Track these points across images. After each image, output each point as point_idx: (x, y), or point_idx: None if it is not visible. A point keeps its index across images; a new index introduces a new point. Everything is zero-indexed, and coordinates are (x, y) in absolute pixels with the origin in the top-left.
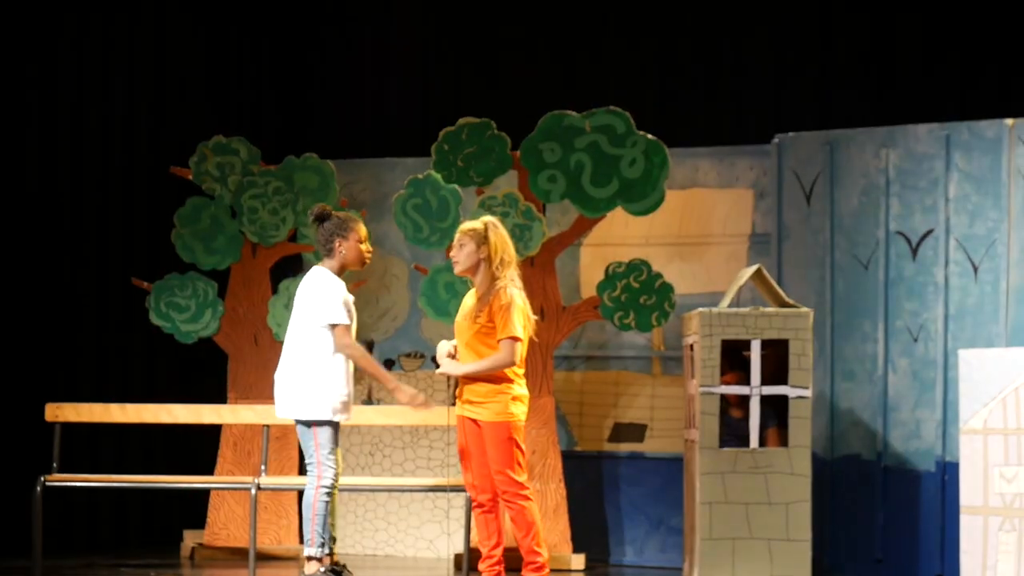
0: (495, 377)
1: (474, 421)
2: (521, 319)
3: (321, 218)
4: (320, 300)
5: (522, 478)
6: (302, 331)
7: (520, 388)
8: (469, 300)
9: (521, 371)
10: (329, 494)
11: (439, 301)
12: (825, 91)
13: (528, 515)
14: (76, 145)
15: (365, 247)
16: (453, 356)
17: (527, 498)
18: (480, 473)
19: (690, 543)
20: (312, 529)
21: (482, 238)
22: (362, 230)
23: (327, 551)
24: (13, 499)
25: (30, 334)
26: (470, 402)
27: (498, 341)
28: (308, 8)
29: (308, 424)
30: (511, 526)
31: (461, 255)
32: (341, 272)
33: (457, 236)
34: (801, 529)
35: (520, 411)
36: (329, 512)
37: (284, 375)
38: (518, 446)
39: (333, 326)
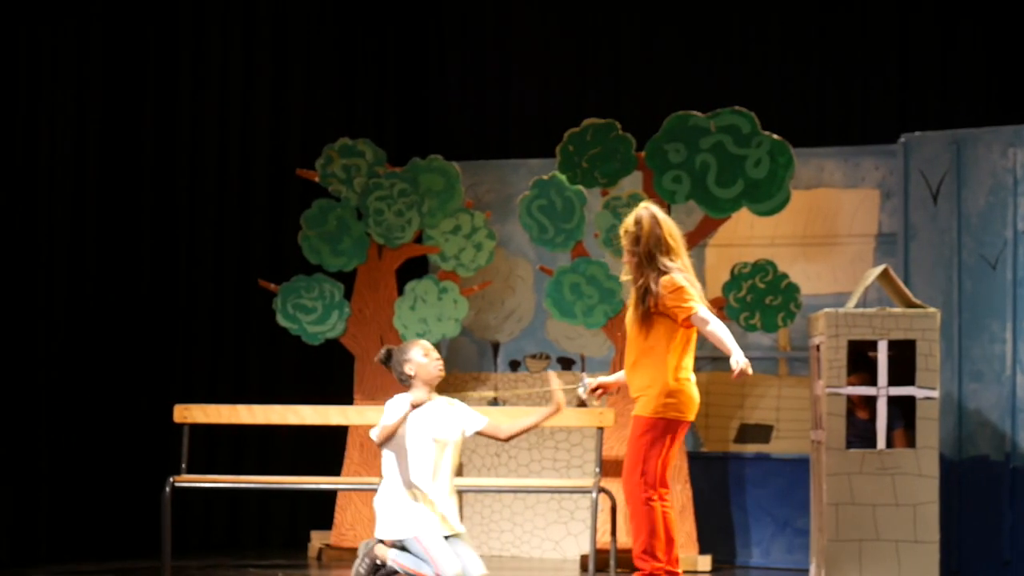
0: (653, 368)
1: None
2: (694, 292)
3: (387, 359)
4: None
5: (647, 478)
6: (383, 460)
7: (675, 382)
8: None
9: (682, 360)
10: None
11: (564, 302)
12: (951, 90)
13: (643, 519)
14: (201, 148)
15: (431, 359)
16: (594, 390)
17: (644, 503)
18: None
19: (817, 545)
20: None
21: (631, 239)
22: (424, 346)
23: None
24: (140, 500)
25: (158, 337)
26: (634, 399)
27: (684, 323)
28: (432, 9)
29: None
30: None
31: (627, 260)
32: (431, 389)
33: None
34: (929, 531)
35: (670, 406)
36: None
37: (378, 498)
38: (653, 444)
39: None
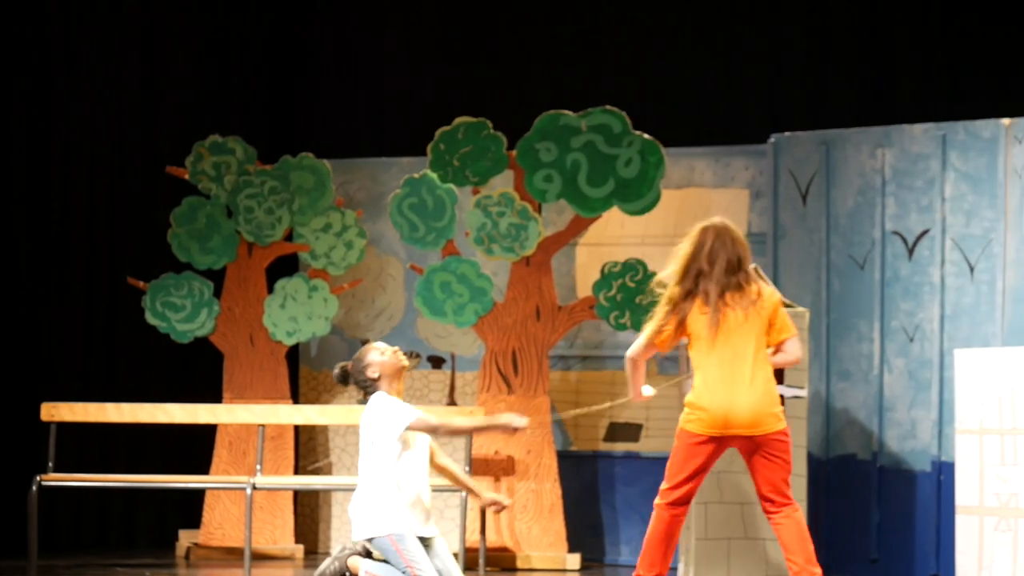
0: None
1: None
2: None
3: (344, 377)
4: (382, 420)
5: (663, 485)
6: (367, 457)
7: (692, 395)
8: None
9: (698, 376)
10: None
11: (434, 301)
12: (821, 91)
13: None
14: (71, 145)
15: (390, 352)
16: None
17: (655, 505)
18: None
19: (686, 543)
20: None
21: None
22: (377, 346)
23: None
24: (7, 499)
25: (25, 335)
26: None
27: None
28: (303, 7)
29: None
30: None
31: None
32: (399, 392)
33: None
34: None
35: (686, 419)
36: None
37: (355, 501)
38: (676, 455)
39: (409, 428)
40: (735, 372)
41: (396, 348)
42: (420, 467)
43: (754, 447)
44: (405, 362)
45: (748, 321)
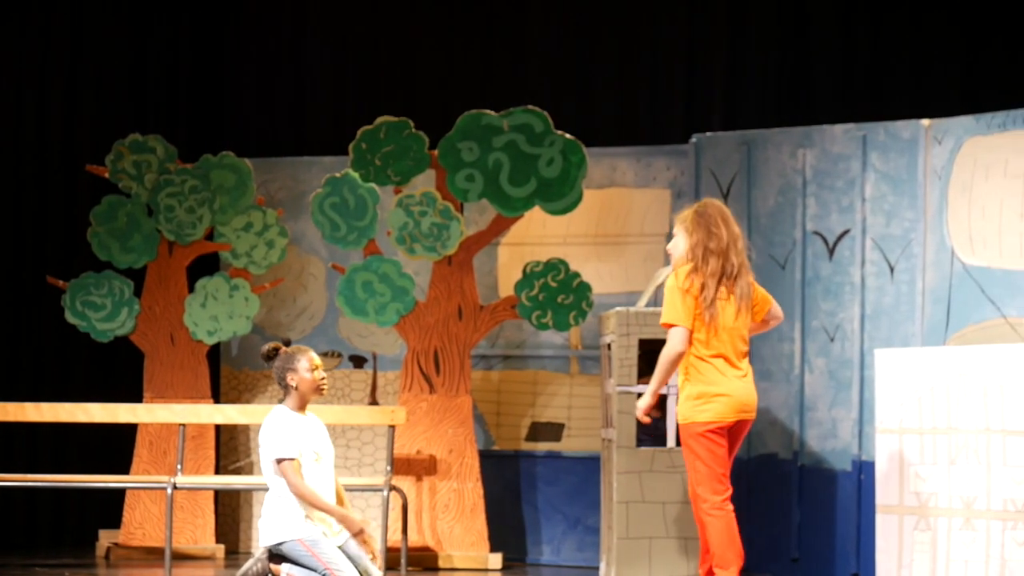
0: (684, 373)
1: None
2: (676, 302)
3: (269, 357)
4: (267, 444)
5: (701, 489)
6: (266, 470)
7: (704, 385)
8: None
9: (708, 366)
10: None
11: (356, 300)
12: (742, 91)
13: (707, 531)
14: None
15: (316, 375)
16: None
17: (707, 512)
18: None
19: (607, 542)
20: None
21: (689, 227)
22: (312, 359)
23: None
24: None
25: None
26: None
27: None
28: (225, 5)
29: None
30: None
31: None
32: (303, 406)
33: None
34: None
35: (700, 411)
36: None
37: (263, 508)
38: (697, 454)
39: (279, 461)
40: (739, 360)
41: (325, 377)
42: (324, 478)
43: (738, 432)
44: (324, 391)
45: (742, 309)
